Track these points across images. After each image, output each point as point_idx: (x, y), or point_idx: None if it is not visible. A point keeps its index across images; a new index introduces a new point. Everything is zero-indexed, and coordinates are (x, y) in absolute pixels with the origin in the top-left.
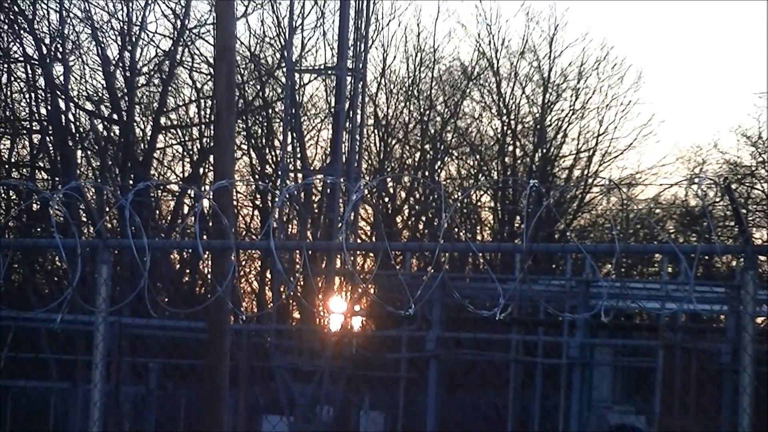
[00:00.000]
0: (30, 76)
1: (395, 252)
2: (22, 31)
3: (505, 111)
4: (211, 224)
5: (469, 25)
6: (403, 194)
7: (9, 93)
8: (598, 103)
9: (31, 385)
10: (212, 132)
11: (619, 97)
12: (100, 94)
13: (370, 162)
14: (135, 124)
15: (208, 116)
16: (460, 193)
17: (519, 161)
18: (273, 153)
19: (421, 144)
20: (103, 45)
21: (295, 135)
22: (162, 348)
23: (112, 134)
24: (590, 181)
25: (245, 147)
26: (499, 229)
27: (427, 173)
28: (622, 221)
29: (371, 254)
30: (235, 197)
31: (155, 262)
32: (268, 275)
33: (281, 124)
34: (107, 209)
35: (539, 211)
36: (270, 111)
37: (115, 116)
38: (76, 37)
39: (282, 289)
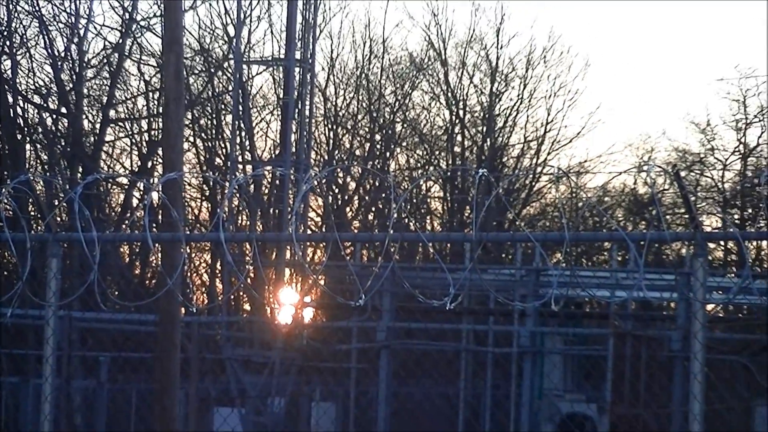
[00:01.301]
0: None
1: (345, 243)
2: None
3: (453, 101)
4: (160, 216)
5: (417, 15)
6: (353, 185)
7: None
8: (546, 92)
9: None
10: (161, 124)
11: (567, 85)
12: (48, 88)
13: (319, 153)
14: (83, 116)
15: (156, 108)
16: (409, 184)
17: (468, 151)
18: (222, 145)
19: (371, 134)
20: (50, 38)
21: (244, 126)
22: (112, 341)
23: (60, 127)
24: (539, 169)
25: (194, 139)
26: (448, 219)
27: (377, 163)
28: (572, 210)
29: (321, 245)
30: (184, 189)
31: (105, 255)
32: (219, 267)
33: (230, 115)
34: (56, 202)
35: (489, 201)
36: (218, 103)
37: (63, 109)
38: (23, 30)
39: (232, 281)
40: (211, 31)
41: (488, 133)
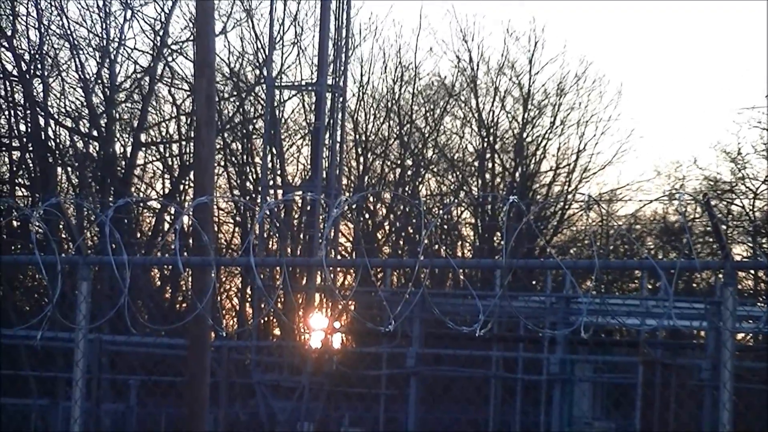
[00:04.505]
0: (9, 92)
1: (375, 268)
2: (0, 48)
3: (484, 127)
4: (191, 240)
5: (449, 41)
6: (384, 210)
7: None
8: (577, 119)
9: (10, 402)
10: (192, 148)
11: (598, 112)
12: (80, 111)
13: (350, 178)
14: (115, 140)
15: (188, 132)
16: (440, 209)
17: (499, 177)
18: (253, 169)
19: (402, 160)
20: (82, 61)
21: (275, 151)
22: (142, 365)
23: (91, 151)
24: (570, 197)
25: (225, 163)
26: (479, 246)
27: (407, 189)
28: (602, 237)
29: (351, 270)
30: (215, 213)
31: (135, 279)
32: (249, 291)
33: (261, 140)
34: (87, 226)
35: (519, 227)
36: (250, 127)
37: (94, 132)
38: (55, 53)
39: (262, 306)
40: (243, 56)
41: (519, 159)
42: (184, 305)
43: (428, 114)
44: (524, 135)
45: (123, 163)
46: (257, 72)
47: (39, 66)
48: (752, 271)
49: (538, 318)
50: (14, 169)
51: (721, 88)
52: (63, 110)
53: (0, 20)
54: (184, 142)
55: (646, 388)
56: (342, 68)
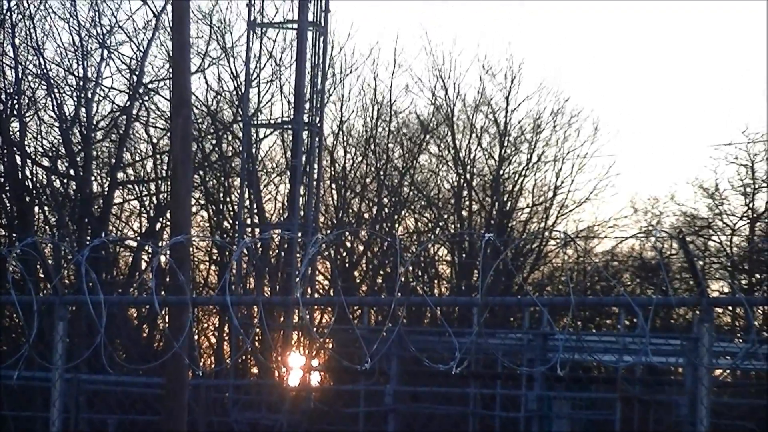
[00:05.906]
0: None
1: (352, 306)
2: None
3: (461, 164)
4: (168, 279)
5: (425, 78)
6: (361, 248)
7: None
8: (554, 156)
9: None
10: (169, 187)
11: (575, 149)
12: (57, 150)
13: (327, 216)
14: (92, 179)
15: (165, 171)
16: (417, 247)
17: (476, 214)
18: (230, 208)
19: (379, 197)
20: (59, 100)
21: (252, 189)
22: (119, 404)
23: (68, 190)
24: (547, 234)
25: (202, 202)
26: (456, 283)
27: (384, 227)
28: (579, 274)
29: (329, 308)
30: (192, 252)
31: (112, 318)
32: (226, 330)
33: (238, 178)
34: (64, 265)
35: (495, 264)
36: (227, 165)
37: (71, 172)
38: (32, 92)
39: (240, 344)
40: (220, 94)
41: (496, 196)
42: (162, 344)
43: (406, 152)
44: (501, 172)
45: (100, 202)
46: (234, 110)
47: (16, 105)
48: (729, 308)
49: (516, 355)
50: None
51: (698, 124)
52: (40, 149)
53: None
54: (160, 181)
55: (624, 425)
56: (319, 107)
